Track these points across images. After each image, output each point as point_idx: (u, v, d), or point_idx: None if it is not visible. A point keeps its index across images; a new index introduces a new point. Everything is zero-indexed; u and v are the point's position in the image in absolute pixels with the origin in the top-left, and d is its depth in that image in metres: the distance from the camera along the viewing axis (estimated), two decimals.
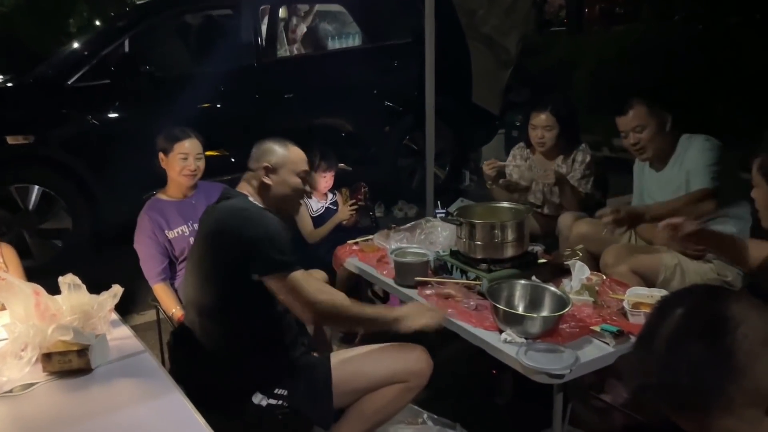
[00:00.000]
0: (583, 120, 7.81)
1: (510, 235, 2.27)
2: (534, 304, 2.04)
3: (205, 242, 1.98)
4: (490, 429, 2.37)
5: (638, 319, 1.97)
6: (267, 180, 2.06)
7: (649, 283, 2.46)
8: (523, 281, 2.11)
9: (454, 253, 2.43)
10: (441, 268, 2.43)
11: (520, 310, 2.04)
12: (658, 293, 2.10)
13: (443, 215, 3.02)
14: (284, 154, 2.09)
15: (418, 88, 4.66)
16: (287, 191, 2.09)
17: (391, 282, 2.46)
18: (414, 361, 2.00)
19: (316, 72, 5.00)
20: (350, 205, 3.37)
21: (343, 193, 3.60)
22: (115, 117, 4.23)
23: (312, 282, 1.94)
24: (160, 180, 2.75)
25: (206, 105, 4.39)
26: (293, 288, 1.84)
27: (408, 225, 2.83)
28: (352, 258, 2.74)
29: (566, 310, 1.91)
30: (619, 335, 1.87)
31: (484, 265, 2.27)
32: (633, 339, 1.89)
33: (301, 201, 2.33)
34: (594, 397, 2.28)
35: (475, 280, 2.27)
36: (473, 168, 6.32)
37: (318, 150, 3.46)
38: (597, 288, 2.19)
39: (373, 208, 3.47)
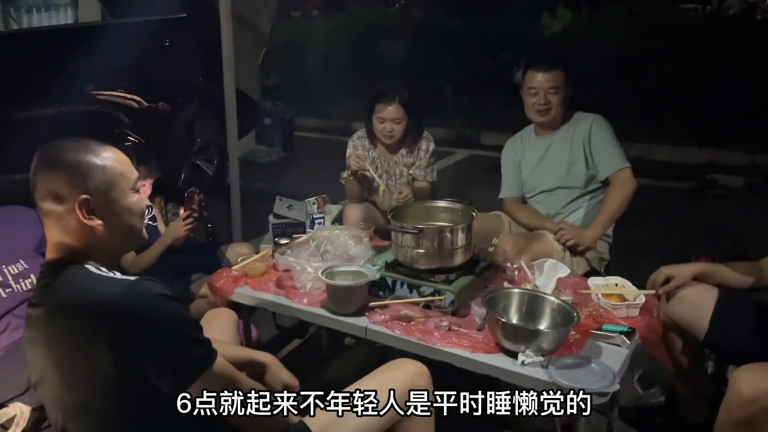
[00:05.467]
0: (319, 103, 7.82)
1: (461, 240, 2.00)
2: (531, 314, 1.82)
3: (69, 346, 1.24)
4: None
5: (621, 312, 1.90)
6: (90, 222, 1.29)
7: None
8: (517, 290, 1.87)
9: (392, 266, 2.06)
10: (376, 286, 2.04)
11: (515, 321, 1.80)
12: (614, 281, 2.06)
13: (321, 220, 2.60)
14: (106, 166, 1.31)
15: (201, 72, 3.97)
16: (130, 223, 1.36)
17: (321, 312, 1.98)
18: (412, 380, 1.55)
19: (55, 49, 3.90)
20: (184, 219, 2.67)
21: (157, 203, 2.86)
22: None
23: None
24: None
25: None
26: (219, 384, 1.28)
27: (301, 238, 2.32)
28: (242, 288, 2.15)
29: (576, 318, 1.73)
30: (630, 333, 1.77)
31: (440, 276, 1.96)
32: (638, 336, 1.81)
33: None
34: None
35: (431, 295, 1.94)
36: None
37: (133, 152, 2.66)
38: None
39: (210, 220, 2.80)
